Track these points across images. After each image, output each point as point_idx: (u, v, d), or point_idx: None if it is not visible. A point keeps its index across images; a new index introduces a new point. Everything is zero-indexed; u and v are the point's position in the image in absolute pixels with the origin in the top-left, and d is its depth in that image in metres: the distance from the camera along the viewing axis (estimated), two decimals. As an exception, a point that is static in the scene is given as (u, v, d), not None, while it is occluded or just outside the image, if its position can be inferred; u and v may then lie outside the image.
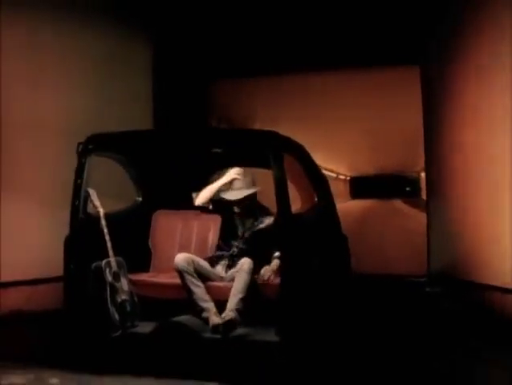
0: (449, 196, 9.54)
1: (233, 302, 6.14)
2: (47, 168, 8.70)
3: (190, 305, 6.39)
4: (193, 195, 6.88)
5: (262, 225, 6.84)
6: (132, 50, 10.34)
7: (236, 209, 6.86)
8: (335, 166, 11.05)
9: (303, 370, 6.04)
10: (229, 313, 6.07)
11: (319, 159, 10.35)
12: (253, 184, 6.88)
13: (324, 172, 10.39)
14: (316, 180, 7.28)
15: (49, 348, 6.82)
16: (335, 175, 10.95)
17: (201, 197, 6.77)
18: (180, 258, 6.40)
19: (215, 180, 6.98)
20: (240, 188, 6.75)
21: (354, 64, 10.90)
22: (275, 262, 6.47)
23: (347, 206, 10.87)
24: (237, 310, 6.10)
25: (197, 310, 6.33)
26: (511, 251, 7.92)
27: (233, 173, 6.79)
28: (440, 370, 6.37)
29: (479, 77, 8.71)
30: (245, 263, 6.30)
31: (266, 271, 6.42)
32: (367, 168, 11.04)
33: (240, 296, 6.17)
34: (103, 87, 9.65)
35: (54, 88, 9.06)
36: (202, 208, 6.96)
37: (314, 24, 10.68)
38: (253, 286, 6.28)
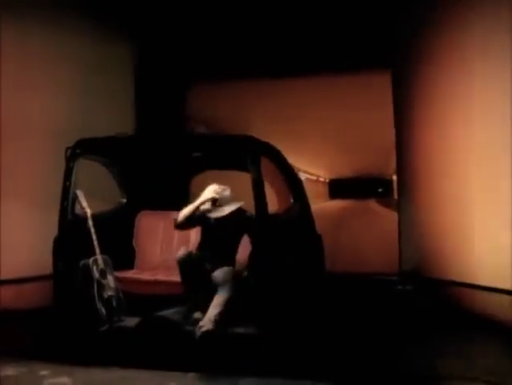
0: (418, 196, 9.80)
1: (212, 313, 6.34)
2: (35, 169, 8.82)
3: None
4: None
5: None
6: (114, 56, 10.50)
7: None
8: (314, 169, 11.38)
9: (279, 360, 6.37)
10: (208, 323, 6.28)
11: (300, 162, 10.81)
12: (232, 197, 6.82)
13: (306, 174, 10.83)
14: (291, 181, 7.63)
15: (39, 342, 7.01)
16: (315, 177, 11.27)
17: (182, 217, 6.73)
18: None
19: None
20: (222, 205, 6.71)
21: (328, 68, 11.10)
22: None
23: (325, 206, 11.24)
24: (215, 321, 6.29)
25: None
26: (478, 248, 8.25)
27: (211, 192, 6.74)
28: (406, 357, 6.74)
29: (447, 80, 8.95)
30: (225, 279, 6.48)
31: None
32: (344, 170, 11.31)
33: (219, 309, 6.36)
34: (86, 90, 9.80)
35: (41, 92, 9.19)
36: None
37: (290, 30, 10.89)
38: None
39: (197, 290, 6.56)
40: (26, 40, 9.08)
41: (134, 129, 10.61)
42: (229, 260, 6.73)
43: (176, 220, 6.72)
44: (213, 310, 6.35)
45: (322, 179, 11.32)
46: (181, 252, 6.58)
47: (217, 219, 6.70)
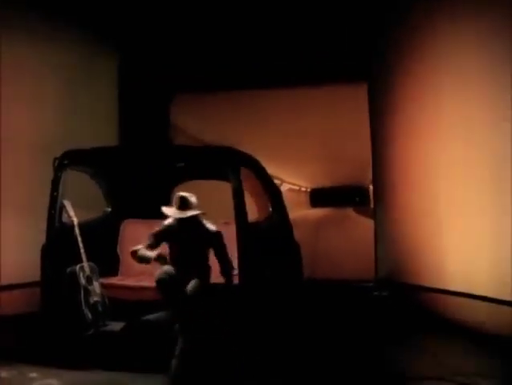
0: (393, 205, 10.06)
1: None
2: (22, 179, 9.00)
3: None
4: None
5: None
6: (99, 68, 10.79)
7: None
8: (297, 179, 11.66)
9: (259, 363, 6.63)
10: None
11: (284, 173, 11.10)
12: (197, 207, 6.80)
13: (289, 185, 11.12)
14: (270, 191, 7.92)
15: (28, 346, 7.18)
16: (297, 187, 11.56)
17: (139, 258, 6.78)
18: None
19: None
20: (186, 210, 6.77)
21: (308, 80, 11.39)
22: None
23: (306, 214, 11.55)
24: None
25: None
26: (451, 255, 8.53)
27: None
28: (379, 358, 7.11)
29: (420, 93, 9.23)
30: (194, 291, 6.56)
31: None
32: (324, 180, 11.61)
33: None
34: (71, 103, 10.04)
35: (27, 103, 9.39)
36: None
37: (271, 43, 11.18)
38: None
39: (176, 305, 6.67)
40: (13, 54, 9.25)
41: (118, 140, 10.84)
42: (199, 272, 6.80)
43: (134, 253, 6.78)
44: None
45: (303, 188, 11.59)
46: (159, 272, 6.64)
47: (181, 227, 6.79)
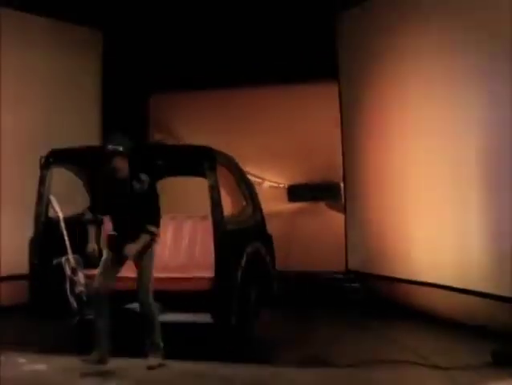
0: (362, 200, 10.45)
1: None
2: (10, 176, 9.34)
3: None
4: None
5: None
6: (82, 70, 11.16)
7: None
8: (276, 177, 12.12)
9: (235, 342, 7.18)
10: None
11: (265, 172, 11.58)
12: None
13: (269, 182, 11.59)
14: (245, 186, 8.36)
15: (17, 334, 7.66)
16: (276, 184, 12.02)
17: None
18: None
19: None
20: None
21: (282, 79, 11.75)
22: (143, 238, 6.70)
23: (284, 207, 12.00)
24: None
25: None
26: (417, 246, 9.00)
27: None
28: (347, 343, 7.70)
29: (387, 92, 9.67)
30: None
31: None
32: (299, 177, 12.07)
33: None
34: (56, 103, 10.45)
35: (16, 105, 9.79)
36: None
37: (247, 44, 11.55)
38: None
39: None
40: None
41: (101, 138, 11.16)
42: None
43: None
44: None
45: (282, 185, 12.05)
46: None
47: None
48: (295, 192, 12.08)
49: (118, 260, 6.83)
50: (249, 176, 10.47)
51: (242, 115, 12.25)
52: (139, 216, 6.72)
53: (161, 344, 6.73)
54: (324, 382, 6.19)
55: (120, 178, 6.77)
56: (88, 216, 7.05)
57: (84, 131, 10.77)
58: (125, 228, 6.80)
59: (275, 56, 11.57)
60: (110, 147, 6.69)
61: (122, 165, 6.73)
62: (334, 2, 10.65)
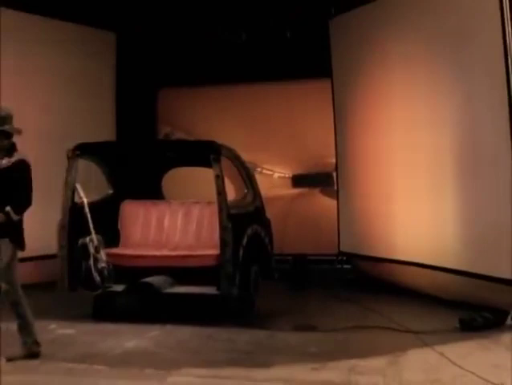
0: (352, 188, 11.29)
1: None
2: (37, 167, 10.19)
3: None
4: None
5: None
6: (98, 69, 12.03)
7: None
8: (283, 169, 13.28)
9: (237, 311, 8.24)
10: None
11: (276, 165, 12.72)
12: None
13: (277, 173, 12.76)
14: (246, 175, 9.34)
15: (48, 306, 8.49)
16: (283, 174, 13.24)
17: None
18: None
19: None
20: None
21: (281, 78, 12.77)
22: None
23: (288, 192, 13.20)
24: None
25: None
26: (399, 229, 9.97)
27: None
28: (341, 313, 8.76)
29: (375, 89, 10.48)
30: None
31: None
32: (300, 168, 13.17)
33: None
34: (74, 99, 11.29)
35: (40, 103, 10.62)
36: None
37: (253, 46, 12.51)
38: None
39: None
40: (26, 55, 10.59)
41: (116, 132, 12.20)
42: None
43: None
44: None
45: (287, 175, 13.29)
46: None
47: None
48: (298, 181, 13.26)
49: None
50: (262, 169, 11.59)
51: (246, 110, 13.27)
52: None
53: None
54: (312, 343, 7.21)
55: None
56: None
57: (100, 126, 11.66)
58: None
59: (277, 55, 12.52)
60: None
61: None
62: (328, 9, 11.51)
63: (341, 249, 11.74)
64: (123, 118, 12.62)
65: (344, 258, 12.09)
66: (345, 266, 12.13)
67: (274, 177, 13.26)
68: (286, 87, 13.13)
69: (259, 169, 12.90)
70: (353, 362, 6.41)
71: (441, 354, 6.62)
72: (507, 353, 6.63)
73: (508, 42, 7.93)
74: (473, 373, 5.96)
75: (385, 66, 10.26)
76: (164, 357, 6.74)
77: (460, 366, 6.17)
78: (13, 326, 6.60)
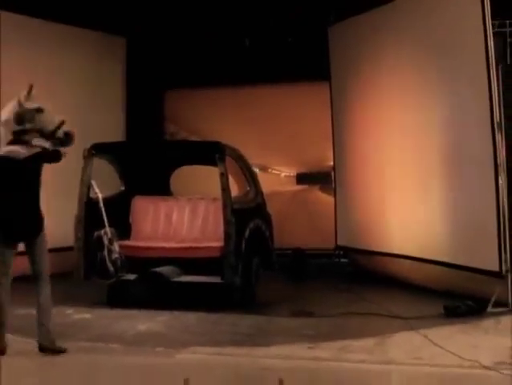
0: (348, 186, 11.86)
1: None
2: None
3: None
4: None
5: None
6: (109, 72, 12.67)
7: None
8: (288, 169, 14.07)
9: (240, 299, 8.84)
10: None
11: (283, 165, 13.80)
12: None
13: (284, 172, 14.03)
14: (248, 173, 9.94)
15: (65, 294, 8.99)
16: (289, 173, 14.04)
17: None
18: None
19: None
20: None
21: (282, 80, 13.41)
22: None
23: (293, 189, 14.04)
24: None
25: None
26: (391, 225, 10.56)
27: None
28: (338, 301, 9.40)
29: (368, 90, 10.99)
30: None
31: None
32: (302, 167, 13.94)
33: None
34: (87, 100, 11.84)
35: (58, 103, 10.73)
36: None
37: (254, 48, 13.13)
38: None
39: None
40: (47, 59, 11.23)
41: (125, 130, 12.79)
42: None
43: None
44: None
45: (292, 174, 14.15)
46: None
47: None
48: (301, 179, 14.07)
49: None
50: (270, 169, 12.96)
51: (249, 111, 13.88)
52: None
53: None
54: (308, 326, 7.87)
55: None
56: None
57: (111, 126, 12.25)
58: None
59: (279, 59, 13.12)
60: None
61: None
62: (328, 17, 12.14)
63: (338, 243, 12.28)
64: (133, 118, 13.20)
65: (341, 252, 12.64)
66: (342, 260, 12.69)
67: (280, 176, 14.11)
68: (288, 90, 13.76)
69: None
70: (345, 342, 7.09)
71: (425, 336, 7.27)
72: (485, 336, 7.34)
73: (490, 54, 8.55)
74: (452, 353, 6.60)
75: (381, 71, 10.78)
76: (173, 338, 7.40)
77: (441, 347, 6.82)
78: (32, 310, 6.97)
